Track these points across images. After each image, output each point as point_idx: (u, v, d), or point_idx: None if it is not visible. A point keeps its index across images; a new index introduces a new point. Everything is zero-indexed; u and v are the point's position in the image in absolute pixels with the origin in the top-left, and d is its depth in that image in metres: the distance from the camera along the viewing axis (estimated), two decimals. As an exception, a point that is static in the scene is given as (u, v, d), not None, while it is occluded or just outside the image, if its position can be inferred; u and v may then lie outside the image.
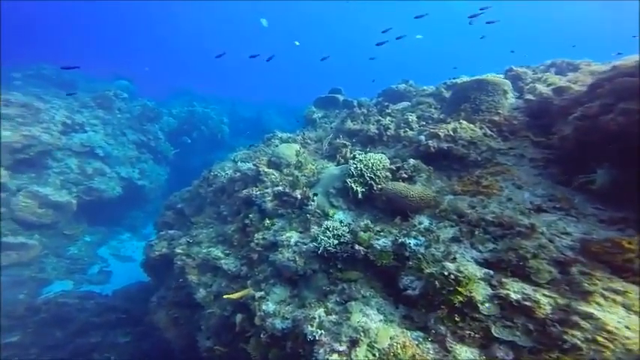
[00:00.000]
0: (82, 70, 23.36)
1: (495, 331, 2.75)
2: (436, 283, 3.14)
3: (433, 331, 3.05)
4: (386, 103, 7.75)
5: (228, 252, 6.17)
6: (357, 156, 5.26)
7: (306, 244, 4.72)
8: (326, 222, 4.70)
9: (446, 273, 3.13)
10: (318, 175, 5.83)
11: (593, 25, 38.77)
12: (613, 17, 36.47)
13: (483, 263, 3.33)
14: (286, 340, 4.25)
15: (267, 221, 5.79)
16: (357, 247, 4.08)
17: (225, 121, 25.22)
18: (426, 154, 5.18)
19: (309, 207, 5.33)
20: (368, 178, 4.87)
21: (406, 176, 4.90)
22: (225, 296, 4.81)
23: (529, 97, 5.62)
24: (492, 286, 3.03)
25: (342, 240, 4.30)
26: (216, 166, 8.88)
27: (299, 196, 5.58)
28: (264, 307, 4.77)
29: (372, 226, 4.40)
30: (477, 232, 3.63)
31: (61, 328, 9.49)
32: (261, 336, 4.41)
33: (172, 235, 7.91)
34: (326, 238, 4.33)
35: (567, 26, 39.86)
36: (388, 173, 4.98)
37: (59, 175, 13.53)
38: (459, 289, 2.96)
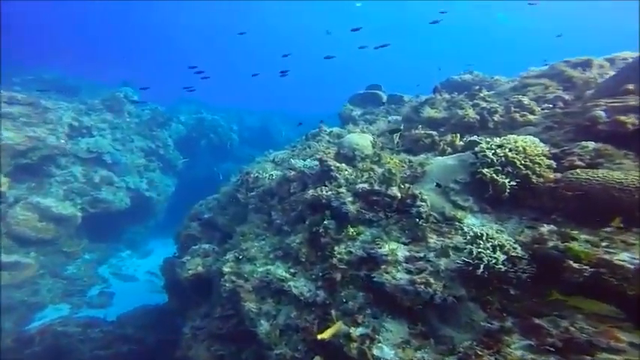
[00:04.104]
0: (87, 76, 22.15)
1: None
2: None
3: None
4: (477, 87, 6.53)
5: (293, 270, 4.71)
6: (486, 141, 3.92)
7: (442, 261, 3.29)
8: (472, 229, 3.29)
9: None
10: (422, 168, 4.46)
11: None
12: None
13: None
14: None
15: (351, 229, 4.39)
16: (572, 263, 2.64)
17: (234, 129, 24.00)
18: (610, 135, 3.83)
19: (420, 209, 3.93)
20: (522, 167, 3.52)
21: (583, 165, 3.56)
22: (319, 336, 3.33)
23: None
24: None
25: (512, 254, 2.90)
26: (254, 168, 7.50)
27: (398, 195, 4.20)
28: (376, 351, 3.30)
29: (574, 234, 2.97)
30: None
31: (60, 367, 7.78)
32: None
33: (207, 250, 6.42)
34: (487, 252, 2.92)
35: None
36: (550, 161, 3.64)
37: (62, 185, 11.96)
38: None
